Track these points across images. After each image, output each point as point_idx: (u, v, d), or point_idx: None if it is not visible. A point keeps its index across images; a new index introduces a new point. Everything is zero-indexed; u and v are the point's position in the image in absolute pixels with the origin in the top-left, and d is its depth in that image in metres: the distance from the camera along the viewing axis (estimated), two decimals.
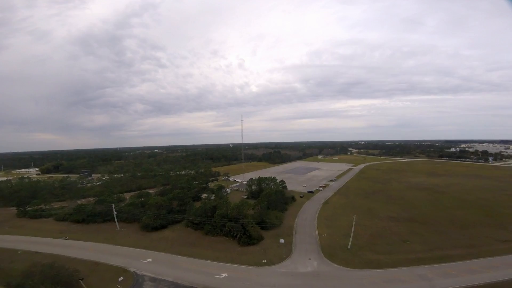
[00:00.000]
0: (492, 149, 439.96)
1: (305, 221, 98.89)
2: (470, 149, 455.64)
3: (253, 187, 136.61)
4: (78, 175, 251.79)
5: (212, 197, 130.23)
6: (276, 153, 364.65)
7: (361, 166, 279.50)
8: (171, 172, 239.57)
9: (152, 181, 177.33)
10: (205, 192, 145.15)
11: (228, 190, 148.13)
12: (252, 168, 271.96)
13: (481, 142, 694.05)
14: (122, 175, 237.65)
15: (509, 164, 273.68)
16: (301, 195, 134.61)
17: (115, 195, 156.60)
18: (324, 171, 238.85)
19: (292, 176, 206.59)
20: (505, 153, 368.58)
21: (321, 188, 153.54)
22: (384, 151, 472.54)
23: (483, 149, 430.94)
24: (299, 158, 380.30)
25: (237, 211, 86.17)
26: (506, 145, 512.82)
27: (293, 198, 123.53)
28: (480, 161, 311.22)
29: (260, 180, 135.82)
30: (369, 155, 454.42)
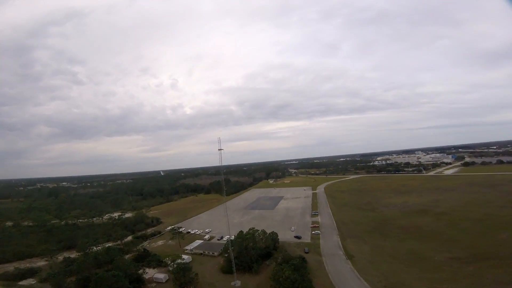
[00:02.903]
0: (408, 159, 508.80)
1: None
2: (390, 161, 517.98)
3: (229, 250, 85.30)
4: None
5: (164, 280, 73.08)
6: (226, 181, 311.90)
7: (321, 188, 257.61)
8: (79, 221, 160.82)
9: (45, 243, 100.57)
10: (148, 263, 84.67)
11: (187, 257, 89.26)
12: (201, 205, 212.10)
13: (389, 153, 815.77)
14: None
15: (442, 172, 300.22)
16: (306, 250, 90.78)
17: None
18: (291, 200, 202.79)
19: (263, 213, 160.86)
20: (425, 163, 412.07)
21: (317, 231, 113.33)
22: (325, 169, 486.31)
23: (402, 161, 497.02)
24: (250, 184, 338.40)
25: None
26: (414, 155, 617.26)
27: (303, 260, 77.34)
28: (415, 172, 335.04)
29: (242, 237, 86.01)
30: (311, 174, 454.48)
